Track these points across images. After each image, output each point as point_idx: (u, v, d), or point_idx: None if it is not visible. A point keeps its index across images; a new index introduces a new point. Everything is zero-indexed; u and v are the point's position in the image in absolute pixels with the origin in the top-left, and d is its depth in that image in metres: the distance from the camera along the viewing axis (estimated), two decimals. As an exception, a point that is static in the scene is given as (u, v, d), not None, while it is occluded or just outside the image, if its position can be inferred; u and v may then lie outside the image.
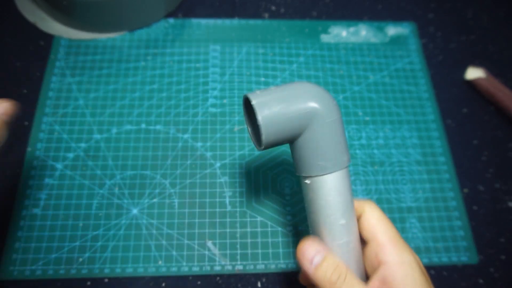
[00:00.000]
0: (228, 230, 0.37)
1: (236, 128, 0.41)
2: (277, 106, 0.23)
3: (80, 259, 0.35)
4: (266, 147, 0.24)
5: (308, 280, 0.28)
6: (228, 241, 0.36)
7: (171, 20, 0.47)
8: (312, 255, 0.24)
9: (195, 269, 0.35)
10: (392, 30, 0.49)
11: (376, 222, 0.25)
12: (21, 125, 0.40)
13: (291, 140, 0.25)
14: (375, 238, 0.25)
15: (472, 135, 0.44)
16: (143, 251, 0.35)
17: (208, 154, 0.40)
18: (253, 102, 0.23)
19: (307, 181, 0.25)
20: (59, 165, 0.38)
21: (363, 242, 0.26)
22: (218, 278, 0.35)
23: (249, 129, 0.27)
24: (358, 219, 0.26)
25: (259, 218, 0.38)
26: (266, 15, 0.49)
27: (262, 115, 0.23)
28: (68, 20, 0.44)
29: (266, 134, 0.23)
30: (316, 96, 0.24)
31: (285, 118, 0.23)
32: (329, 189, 0.24)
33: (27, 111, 0.41)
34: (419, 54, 0.47)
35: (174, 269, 0.35)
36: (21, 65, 0.43)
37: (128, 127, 0.41)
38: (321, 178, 0.24)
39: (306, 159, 0.24)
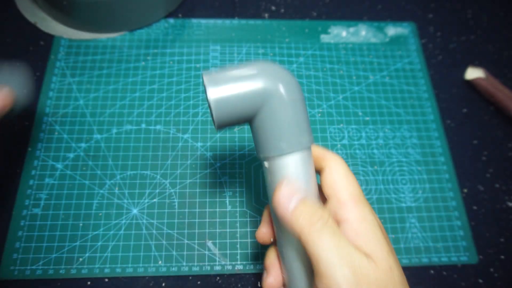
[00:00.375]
0: (228, 230, 0.37)
1: (236, 128, 0.41)
2: (229, 84, 0.22)
3: (80, 259, 0.35)
4: (221, 127, 0.23)
5: (266, 236, 0.27)
6: (228, 241, 0.36)
7: (171, 20, 0.47)
8: (289, 196, 0.22)
9: (195, 269, 0.35)
10: (392, 30, 0.49)
11: (339, 178, 0.24)
12: (21, 125, 0.40)
13: (248, 120, 0.23)
14: (336, 195, 0.23)
15: (472, 135, 0.44)
16: (143, 251, 0.35)
17: (208, 154, 0.40)
18: (205, 80, 0.22)
19: (266, 164, 0.24)
20: (59, 165, 0.38)
21: (323, 199, 0.25)
22: (218, 278, 0.35)
23: (209, 110, 0.25)
24: (321, 172, 0.25)
25: (259, 218, 0.38)
26: (266, 15, 0.49)
27: (212, 93, 0.22)
28: (68, 20, 0.44)
29: (217, 113, 0.22)
30: (270, 75, 0.22)
31: (237, 97, 0.22)
32: (287, 172, 0.23)
33: (27, 111, 0.41)
34: (419, 54, 0.48)
35: (174, 269, 0.35)
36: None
37: (128, 127, 0.41)
38: (278, 160, 0.23)
39: (263, 139, 0.23)
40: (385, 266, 0.21)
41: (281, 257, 0.26)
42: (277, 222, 0.25)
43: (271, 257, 0.27)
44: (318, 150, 0.25)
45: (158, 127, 0.41)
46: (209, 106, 0.23)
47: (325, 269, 0.20)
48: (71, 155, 0.39)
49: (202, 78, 0.23)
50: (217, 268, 0.35)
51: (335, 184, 0.24)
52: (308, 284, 0.24)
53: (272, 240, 0.27)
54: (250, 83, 0.22)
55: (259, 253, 0.36)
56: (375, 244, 0.22)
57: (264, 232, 0.27)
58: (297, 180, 0.23)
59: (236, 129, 0.41)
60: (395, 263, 0.21)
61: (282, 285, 0.27)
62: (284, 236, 0.25)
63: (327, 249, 0.20)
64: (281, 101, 0.22)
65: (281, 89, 0.22)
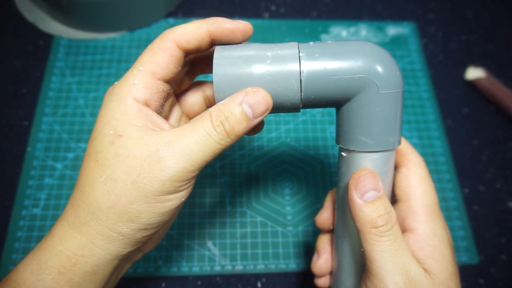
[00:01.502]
0: (228, 230, 0.37)
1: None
2: (326, 63, 0.20)
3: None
4: (306, 105, 0.21)
5: (326, 222, 0.26)
6: (228, 241, 0.36)
7: (171, 20, 0.47)
8: (368, 188, 0.21)
9: (195, 269, 0.35)
10: (392, 30, 0.49)
11: (416, 183, 0.22)
12: (21, 125, 0.40)
13: (336, 104, 0.22)
14: (408, 201, 0.22)
15: (472, 135, 0.44)
16: (143, 251, 0.35)
17: (208, 154, 0.40)
18: (300, 49, 0.20)
19: (344, 153, 0.23)
20: (59, 165, 0.38)
21: (393, 199, 0.24)
22: (218, 278, 0.35)
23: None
24: (397, 169, 0.23)
25: (259, 218, 0.37)
26: (266, 15, 0.49)
27: (305, 69, 0.20)
28: (68, 20, 0.44)
29: (306, 88, 0.20)
30: (378, 60, 0.20)
31: (332, 79, 0.20)
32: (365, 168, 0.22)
33: (27, 111, 0.41)
34: (419, 54, 0.47)
35: (174, 269, 0.35)
36: (20, 65, 0.43)
37: (128, 127, 0.41)
38: (358, 155, 0.21)
39: (348, 129, 0.21)
40: (441, 285, 0.20)
41: (335, 246, 0.25)
42: (341, 211, 0.24)
43: (324, 241, 0.27)
44: (401, 145, 0.24)
45: (158, 127, 0.41)
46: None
47: (377, 272, 0.20)
48: (71, 155, 0.39)
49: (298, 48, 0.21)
50: (217, 268, 0.35)
51: (410, 188, 0.22)
52: (356, 280, 0.24)
53: (332, 227, 0.27)
54: (348, 63, 0.20)
55: (259, 253, 0.36)
56: (439, 262, 0.21)
57: (325, 218, 0.26)
58: None
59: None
60: (455, 286, 0.21)
61: (329, 273, 0.27)
62: (345, 226, 0.24)
63: (383, 253, 0.20)
64: (378, 91, 0.20)
65: (381, 76, 0.20)
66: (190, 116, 0.27)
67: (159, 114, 0.22)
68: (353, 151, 0.22)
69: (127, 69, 0.43)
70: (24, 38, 0.45)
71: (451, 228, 0.38)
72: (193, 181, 0.21)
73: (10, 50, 0.44)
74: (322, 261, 0.26)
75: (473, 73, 0.46)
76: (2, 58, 0.43)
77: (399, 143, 0.22)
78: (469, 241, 0.38)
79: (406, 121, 0.43)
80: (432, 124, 0.43)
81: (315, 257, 0.27)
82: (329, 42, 0.21)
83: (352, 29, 0.48)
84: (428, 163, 0.41)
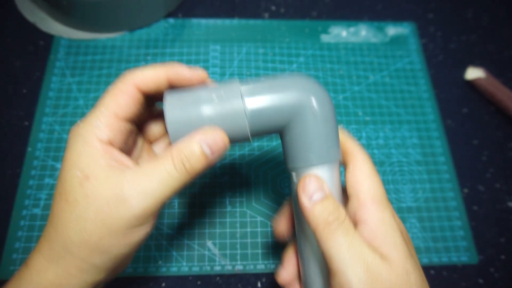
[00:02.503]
0: (228, 230, 0.37)
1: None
2: (266, 95, 0.23)
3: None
4: (254, 136, 0.24)
5: (284, 231, 0.27)
6: (228, 241, 0.36)
7: (171, 20, 0.47)
8: (314, 190, 0.22)
9: (195, 269, 0.35)
10: (392, 30, 0.49)
11: (362, 178, 0.24)
12: (21, 125, 0.40)
13: (278, 131, 0.24)
14: (357, 195, 0.23)
15: (472, 135, 0.44)
16: (143, 251, 0.35)
17: (208, 154, 0.40)
18: (241, 88, 0.23)
19: (294, 174, 0.24)
20: (59, 165, 0.38)
21: (345, 197, 0.25)
22: (218, 278, 0.35)
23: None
24: (345, 167, 0.25)
25: (259, 218, 0.38)
26: (266, 15, 0.49)
27: (249, 103, 0.23)
28: (68, 20, 0.44)
29: (252, 123, 0.23)
30: (304, 88, 0.23)
31: (271, 108, 0.23)
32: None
33: (27, 111, 0.41)
34: (419, 54, 0.47)
35: (174, 269, 0.35)
36: (21, 65, 0.43)
37: (128, 127, 0.41)
38: (306, 171, 0.24)
39: (293, 150, 0.24)
40: (401, 269, 0.21)
41: (299, 253, 0.26)
42: (298, 217, 0.25)
43: (289, 252, 0.27)
44: (345, 142, 0.25)
45: (158, 127, 0.41)
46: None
47: (337, 267, 0.20)
48: (71, 155, 0.39)
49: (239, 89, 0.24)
50: (217, 268, 0.35)
51: (357, 184, 0.24)
52: (324, 282, 0.24)
53: (288, 236, 0.28)
54: (284, 95, 0.23)
55: (259, 253, 0.36)
56: (392, 247, 0.21)
57: (282, 227, 0.27)
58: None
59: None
60: (413, 267, 0.21)
61: (298, 282, 0.27)
62: (303, 232, 0.25)
63: (339, 248, 0.21)
64: (312, 114, 0.23)
65: (314, 102, 0.23)
66: (151, 142, 0.28)
67: (123, 149, 0.23)
68: (301, 168, 0.24)
69: (127, 69, 0.44)
70: (24, 38, 0.45)
71: (451, 228, 0.38)
72: (156, 215, 0.23)
73: (10, 50, 0.44)
74: (286, 273, 0.27)
75: (473, 73, 0.46)
76: (2, 58, 0.43)
77: (340, 155, 0.24)
78: (469, 241, 0.38)
79: (406, 121, 0.43)
80: (432, 124, 0.43)
81: (280, 268, 0.27)
82: (264, 78, 0.24)
83: (352, 29, 0.48)
84: (428, 163, 0.41)
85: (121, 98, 0.23)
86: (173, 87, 0.24)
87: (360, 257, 0.20)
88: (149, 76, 0.23)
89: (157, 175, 0.21)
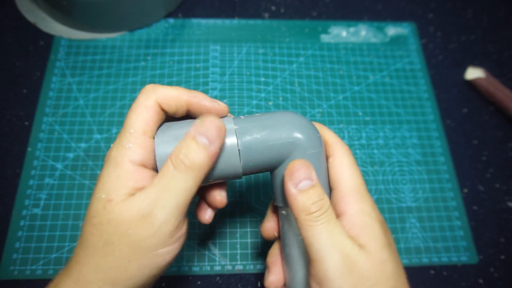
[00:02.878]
0: (228, 230, 0.37)
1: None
2: (259, 133, 0.23)
3: (80, 259, 0.35)
4: (246, 173, 0.24)
5: (271, 231, 0.27)
6: (228, 241, 0.36)
7: (171, 20, 0.47)
8: (302, 178, 0.22)
9: (195, 269, 0.35)
10: (392, 30, 0.49)
11: (342, 170, 0.24)
12: (21, 125, 0.40)
13: (271, 168, 0.24)
14: (338, 187, 0.24)
15: (472, 135, 0.44)
16: (143, 251, 0.35)
17: (208, 154, 0.40)
18: (235, 127, 0.23)
19: (284, 212, 0.25)
20: (59, 165, 0.38)
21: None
22: (218, 278, 0.35)
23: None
24: (327, 159, 0.25)
25: (259, 218, 0.38)
26: (266, 15, 0.49)
27: (242, 140, 0.23)
28: (68, 20, 0.44)
29: (245, 159, 0.23)
30: (301, 127, 0.23)
31: (266, 146, 0.23)
32: None
33: (27, 111, 0.41)
34: (419, 54, 0.48)
35: (174, 269, 0.35)
36: (21, 65, 0.43)
37: (128, 127, 0.41)
38: None
39: (281, 188, 0.24)
40: (378, 258, 0.21)
41: (283, 251, 0.26)
42: (282, 215, 0.26)
43: (273, 255, 0.27)
44: (326, 135, 0.25)
45: (158, 127, 0.41)
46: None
47: (316, 255, 0.21)
48: (71, 155, 0.39)
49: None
50: (217, 268, 0.35)
51: (337, 176, 0.24)
52: (307, 278, 0.24)
53: (276, 234, 0.28)
54: (279, 134, 0.23)
55: (259, 253, 0.36)
56: (371, 236, 0.22)
57: (268, 226, 0.27)
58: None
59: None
60: (390, 257, 0.22)
61: (283, 285, 0.27)
62: (288, 229, 0.25)
63: (319, 236, 0.21)
64: (305, 153, 0.23)
65: (308, 141, 0.23)
66: None
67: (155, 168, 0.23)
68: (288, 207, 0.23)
69: (127, 69, 0.44)
70: (24, 38, 0.45)
71: (451, 228, 0.38)
72: (184, 232, 0.22)
73: (10, 50, 0.44)
74: (274, 276, 0.26)
75: (473, 73, 0.46)
76: (3, 58, 0.43)
77: (328, 195, 0.24)
78: (468, 241, 0.38)
79: (406, 121, 0.43)
80: (432, 124, 0.43)
81: (266, 273, 0.27)
82: (258, 114, 0.24)
83: (352, 29, 0.48)
84: (428, 163, 0.41)
85: (146, 114, 0.22)
86: (190, 114, 0.24)
87: (339, 246, 0.21)
88: (172, 95, 0.23)
89: (163, 183, 0.21)
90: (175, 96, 0.23)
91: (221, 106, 0.24)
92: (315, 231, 0.21)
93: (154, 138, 0.23)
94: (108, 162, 0.22)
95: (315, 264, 0.21)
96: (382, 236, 0.22)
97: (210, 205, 0.27)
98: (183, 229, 0.22)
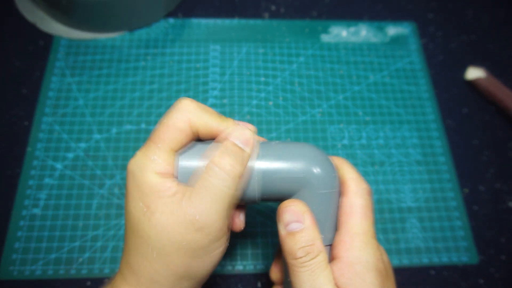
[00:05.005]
0: (228, 230, 0.37)
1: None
2: (277, 162, 0.23)
3: (80, 259, 0.35)
4: (262, 198, 0.24)
5: (278, 276, 0.28)
6: (228, 241, 0.36)
7: (171, 20, 0.47)
8: (291, 220, 0.22)
9: (195, 269, 0.35)
10: (392, 30, 0.49)
11: (349, 212, 0.23)
12: (21, 125, 0.40)
13: (285, 198, 0.24)
14: (340, 229, 0.23)
15: (472, 135, 0.44)
16: (143, 251, 0.35)
17: (208, 154, 0.40)
18: (255, 153, 0.23)
19: None
20: (59, 165, 0.38)
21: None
22: (218, 278, 0.35)
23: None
24: (341, 195, 0.24)
25: (259, 218, 0.37)
26: (266, 15, 0.49)
27: (261, 166, 0.23)
28: (68, 20, 0.44)
29: (263, 185, 0.23)
30: (316, 162, 0.22)
31: (280, 177, 0.22)
32: None
33: (27, 111, 0.41)
34: (419, 54, 0.47)
35: (174, 269, 0.35)
36: (20, 65, 0.43)
37: (128, 127, 0.41)
38: None
39: None
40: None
41: None
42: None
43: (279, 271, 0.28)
44: (346, 172, 0.24)
45: (158, 127, 0.41)
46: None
47: None
48: (71, 155, 0.39)
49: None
50: (217, 268, 0.35)
51: (345, 216, 0.23)
52: None
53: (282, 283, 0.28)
54: (293, 164, 0.22)
55: (259, 253, 0.36)
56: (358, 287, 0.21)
57: (275, 270, 0.28)
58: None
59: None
60: None
61: None
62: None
63: (302, 283, 0.21)
64: (316, 192, 0.22)
65: (319, 179, 0.22)
66: None
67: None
68: None
69: (127, 69, 0.44)
70: (24, 38, 0.45)
71: (451, 228, 0.38)
72: (228, 226, 0.23)
73: (10, 50, 0.44)
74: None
75: (473, 73, 0.46)
76: (2, 58, 0.43)
77: (331, 241, 0.23)
78: (469, 241, 0.38)
79: (406, 121, 0.43)
80: (432, 124, 0.43)
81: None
82: (276, 142, 0.24)
83: (352, 29, 0.48)
84: (428, 163, 0.41)
85: (178, 136, 0.23)
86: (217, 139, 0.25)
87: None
88: (206, 121, 0.23)
89: (206, 187, 0.21)
90: (207, 121, 0.23)
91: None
92: (299, 277, 0.21)
93: (178, 154, 0.24)
94: (134, 172, 0.23)
95: None
96: (373, 287, 0.21)
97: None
98: (229, 228, 0.23)
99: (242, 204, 0.25)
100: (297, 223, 0.22)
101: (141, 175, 0.22)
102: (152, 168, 0.22)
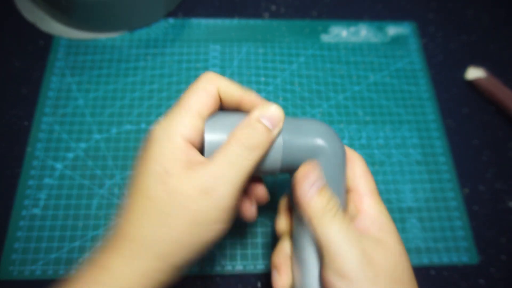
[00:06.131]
0: (228, 230, 0.37)
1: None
2: (297, 134, 0.25)
3: (80, 259, 0.35)
4: (282, 169, 0.25)
5: (285, 226, 0.28)
6: (228, 241, 0.36)
7: (171, 20, 0.47)
8: (314, 180, 0.24)
9: (195, 269, 0.35)
10: (393, 30, 0.49)
11: (360, 174, 0.26)
12: (20, 125, 0.40)
13: (293, 170, 0.25)
14: (356, 189, 0.26)
15: (472, 135, 0.44)
16: (143, 251, 0.35)
17: (208, 154, 0.40)
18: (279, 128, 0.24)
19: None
20: (59, 165, 0.38)
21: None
22: (218, 278, 0.35)
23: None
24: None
25: (259, 218, 0.37)
26: (266, 15, 0.49)
27: (285, 138, 0.24)
28: (67, 20, 0.44)
29: (284, 156, 0.24)
30: (327, 135, 0.25)
31: (300, 147, 0.24)
32: None
33: (27, 111, 0.41)
34: (419, 54, 0.47)
35: (174, 269, 0.35)
36: (20, 65, 0.43)
37: (128, 127, 0.41)
38: None
39: None
40: (395, 251, 0.23)
41: (295, 253, 0.26)
42: (297, 217, 0.26)
43: (281, 256, 0.27)
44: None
45: (158, 127, 0.41)
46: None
47: (335, 251, 0.22)
48: (71, 155, 0.39)
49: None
50: (217, 268, 0.35)
51: (356, 179, 0.26)
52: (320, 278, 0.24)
53: (289, 231, 0.28)
54: (310, 137, 0.25)
55: (259, 253, 0.36)
56: (388, 232, 0.24)
57: (283, 224, 0.28)
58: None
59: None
60: (404, 251, 0.24)
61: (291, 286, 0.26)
62: (302, 231, 0.25)
63: (337, 233, 0.22)
64: (327, 161, 0.25)
65: (330, 149, 0.25)
66: None
67: (198, 148, 0.24)
68: None
69: (127, 69, 0.44)
70: (24, 38, 0.45)
71: (452, 228, 0.38)
72: (234, 209, 0.23)
73: (10, 50, 0.44)
74: (284, 277, 0.26)
75: (473, 73, 0.46)
76: (2, 58, 0.43)
77: (345, 206, 0.26)
78: (469, 241, 0.38)
79: (406, 121, 0.43)
80: (432, 124, 0.43)
81: (275, 275, 0.26)
82: (292, 118, 0.26)
83: (352, 29, 0.48)
84: (428, 163, 0.41)
85: (206, 98, 0.23)
86: (240, 108, 0.25)
87: (357, 241, 0.22)
88: (230, 87, 0.24)
89: (227, 160, 0.22)
90: (233, 89, 0.24)
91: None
92: (333, 229, 0.22)
93: (205, 121, 0.24)
94: (158, 135, 0.22)
95: (335, 262, 0.22)
96: (397, 233, 0.24)
97: (251, 202, 0.28)
98: (236, 207, 0.23)
99: (261, 175, 0.26)
100: (318, 182, 0.24)
101: (167, 139, 0.22)
102: (179, 132, 0.22)
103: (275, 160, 0.24)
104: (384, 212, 0.25)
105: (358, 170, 0.26)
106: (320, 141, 0.25)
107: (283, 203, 0.28)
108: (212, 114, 0.24)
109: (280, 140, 0.24)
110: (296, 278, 0.25)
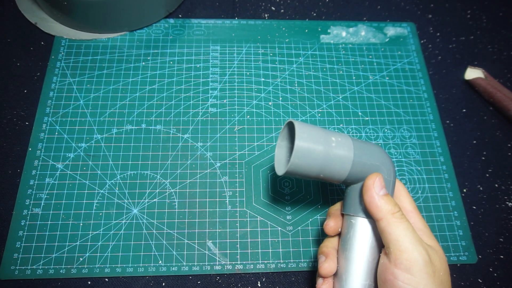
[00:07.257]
0: (228, 230, 0.37)
1: (236, 128, 0.42)
2: (366, 154, 0.29)
3: (81, 259, 0.35)
4: (346, 180, 0.29)
5: (335, 227, 0.31)
6: (228, 241, 0.36)
7: (171, 20, 0.47)
8: (382, 186, 0.28)
9: (195, 269, 0.35)
10: (392, 30, 0.49)
11: (405, 194, 0.31)
12: (21, 125, 0.40)
13: (353, 183, 0.30)
14: (403, 206, 0.30)
15: (471, 135, 0.44)
16: (143, 251, 0.35)
17: (208, 154, 0.40)
18: (354, 143, 0.29)
19: (352, 220, 0.29)
20: (59, 165, 0.38)
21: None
22: (218, 278, 0.35)
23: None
24: None
25: (259, 218, 0.38)
26: (266, 15, 0.49)
27: (355, 153, 0.29)
28: (68, 20, 0.44)
29: (351, 170, 0.28)
30: (385, 158, 0.30)
31: (364, 164, 0.29)
32: (368, 230, 0.29)
33: (28, 111, 0.41)
34: (418, 55, 0.48)
35: (174, 268, 0.35)
36: (21, 65, 0.43)
37: (128, 127, 0.41)
38: (362, 220, 0.29)
39: (356, 201, 0.29)
40: (442, 255, 0.28)
41: (342, 254, 0.29)
42: (351, 223, 0.30)
43: (329, 246, 0.31)
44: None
45: (158, 127, 0.41)
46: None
47: (406, 246, 0.25)
48: (71, 155, 0.39)
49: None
50: (217, 268, 0.35)
51: (402, 198, 0.31)
52: (363, 280, 0.28)
53: (339, 231, 0.31)
54: (372, 158, 0.29)
55: (259, 253, 0.36)
56: (436, 242, 0.29)
57: (332, 226, 0.31)
58: (373, 245, 0.29)
59: (236, 129, 0.41)
60: (445, 257, 0.28)
61: (333, 275, 0.30)
62: (353, 236, 0.29)
63: (406, 232, 0.26)
64: (384, 177, 0.29)
65: (386, 169, 0.29)
66: None
67: None
68: (358, 216, 0.29)
69: (127, 69, 0.44)
70: (25, 39, 0.45)
71: (451, 228, 0.39)
72: None
73: (11, 51, 0.44)
74: (332, 262, 0.30)
75: (472, 73, 0.46)
76: (3, 58, 0.44)
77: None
78: (468, 241, 0.38)
79: (405, 121, 0.43)
80: (431, 124, 0.44)
81: (322, 259, 0.30)
82: (359, 140, 0.30)
83: (351, 30, 0.48)
84: (427, 163, 0.41)
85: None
86: None
87: (420, 242, 0.26)
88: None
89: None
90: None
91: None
92: (402, 228, 0.26)
93: (296, 130, 0.28)
94: None
95: (404, 255, 0.25)
96: (438, 243, 0.29)
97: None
98: None
99: (327, 182, 0.32)
100: (384, 189, 0.28)
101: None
102: None
103: (344, 170, 0.28)
104: (427, 226, 0.30)
105: (403, 191, 0.31)
106: (379, 162, 0.29)
107: (334, 209, 0.32)
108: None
109: (350, 156, 0.28)
110: (341, 265, 0.29)
